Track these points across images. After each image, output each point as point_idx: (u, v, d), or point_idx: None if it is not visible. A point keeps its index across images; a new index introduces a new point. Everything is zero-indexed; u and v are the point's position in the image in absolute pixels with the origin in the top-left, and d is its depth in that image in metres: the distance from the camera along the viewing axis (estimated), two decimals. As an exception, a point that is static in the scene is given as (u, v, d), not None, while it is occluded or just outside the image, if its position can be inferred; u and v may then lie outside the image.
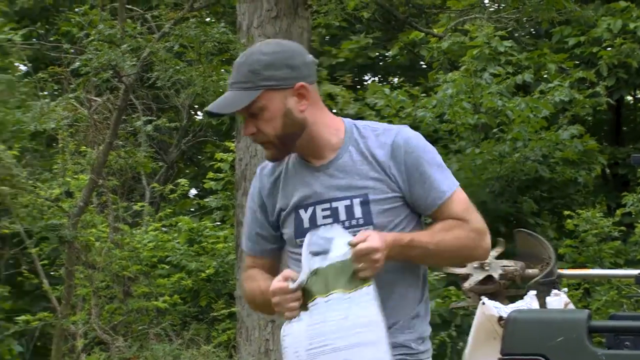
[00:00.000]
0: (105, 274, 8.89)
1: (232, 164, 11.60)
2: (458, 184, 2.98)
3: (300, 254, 2.90)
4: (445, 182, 2.94)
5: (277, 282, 2.86)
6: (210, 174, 11.62)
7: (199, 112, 13.71)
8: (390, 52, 14.67)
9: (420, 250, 2.90)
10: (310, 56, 3.00)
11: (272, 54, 2.91)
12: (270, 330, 7.10)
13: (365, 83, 15.66)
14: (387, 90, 11.44)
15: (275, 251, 3.10)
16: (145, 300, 9.06)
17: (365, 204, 2.92)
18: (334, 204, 2.94)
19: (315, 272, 2.85)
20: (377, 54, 15.04)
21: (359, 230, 2.87)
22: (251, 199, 3.09)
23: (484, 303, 4.33)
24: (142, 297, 9.11)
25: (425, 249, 2.90)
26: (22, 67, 10.61)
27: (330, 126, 3.00)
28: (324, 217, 2.94)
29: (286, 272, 2.89)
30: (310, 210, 2.95)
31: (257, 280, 3.04)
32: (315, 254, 2.88)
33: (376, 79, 15.76)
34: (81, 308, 9.12)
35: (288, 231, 3.00)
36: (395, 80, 15.52)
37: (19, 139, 9.14)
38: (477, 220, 2.96)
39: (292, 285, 2.84)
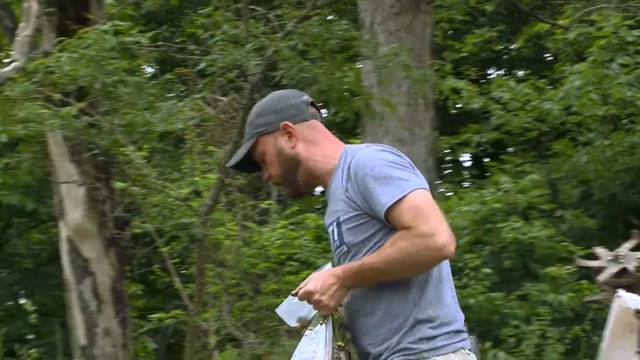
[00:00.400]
0: (235, 271, 9.00)
1: (358, 160, 11.62)
2: (410, 189, 3.01)
3: None
4: (387, 194, 3.01)
5: None
6: (336, 171, 11.62)
7: (323, 110, 13.76)
8: (514, 45, 14.47)
9: (372, 272, 3.00)
10: (304, 97, 3.26)
11: (262, 104, 3.25)
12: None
13: (489, 77, 15.49)
14: (512, 84, 11.30)
15: None
16: (275, 297, 9.14)
17: (338, 225, 3.13)
18: (329, 229, 3.19)
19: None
20: (502, 47, 14.85)
21: (339, 251, 3.13)
22: None
23: (620, 296, 4.23)
24: (271, 294, 9.20)
25: (375, 269, 2.99)
26: (150, 69, 10.83)
27: (326, 156, 3.21)
28: (331, 241, 3.20)
29: None
30: (329, 234, 3.22)
31: None
32: None
33: (501, 72, 15.58)
34: (212, 305, 9.25)
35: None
36: (521, 73, 15.31)
37: (148, 140, 9.32)
38: (424, 224, 2.97)
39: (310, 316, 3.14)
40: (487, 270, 11.12)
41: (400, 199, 2.99)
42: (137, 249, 10.20)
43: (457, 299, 3.17)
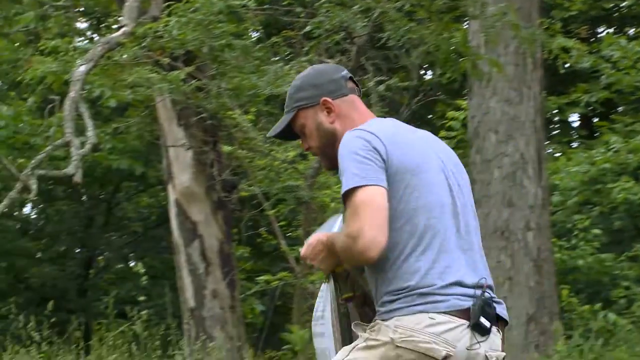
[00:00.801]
0: (340, 233, 9.01)
1: (464, 122, 11.49)
2: (353, 185, 3.09)
3: None
4: (343, 185, 3.14)
5: None
6: (442, 133, 11.53)
7: (429, 71, 13.64)
8: (625, 2, 14.10)
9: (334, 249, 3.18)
10: (343, 72, 3.38)
11: (301, 77, 3.38)
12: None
13: (599, 35, 15.13)
14: (622, 42, 11.03)
15: None
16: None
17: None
18: None
19: None
20: (612, 4, 14.49)
21: None
22: None
23: None
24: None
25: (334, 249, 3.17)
26: (256, 33, 10.85)
27: None
28: None
29: None
30: None
31: None
32: None
33: (611, 30, 15.21)
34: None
35: None
36: (631, 31, 14.93)
37: (255, 103, 9.36)
38: (351, 224, 3.06)
39: None
40: (597, 231, 10.94)
41: (346, 193, 3.10)
42: (244, 211, 10.28)
43: (462, 258, 3.17)
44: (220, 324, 10.03)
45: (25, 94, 15.04)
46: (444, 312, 3.06)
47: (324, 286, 3.30)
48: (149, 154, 15.67)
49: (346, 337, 3.23)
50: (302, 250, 3.26)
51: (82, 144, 9.01)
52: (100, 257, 20.11)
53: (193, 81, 8.34)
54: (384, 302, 3.11)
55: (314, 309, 3.32)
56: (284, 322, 7.23)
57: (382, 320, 3.09)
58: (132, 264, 20.63)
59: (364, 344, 3.10)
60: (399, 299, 3.09)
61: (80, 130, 9.43)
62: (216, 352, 8.16)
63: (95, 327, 7.76)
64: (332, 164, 3.35)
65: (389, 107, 11.38)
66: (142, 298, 8.66)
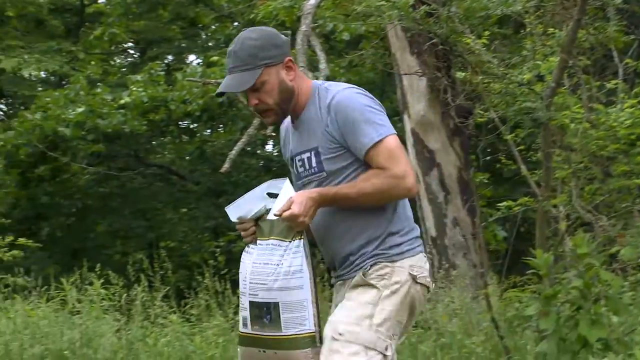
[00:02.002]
0: (582, 154, 8.74)
1: None
2: (386, 134, 3.52)
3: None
4: (367, 136, 3.52)
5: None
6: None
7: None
8: None
9: (345, 200, 3.54)
10: (287, 36, 3.69)
11: (260, 38, 3.59)
12: None
13: None
14: None
15: None
16: (626, 179, 8.80)
17: (317, 154, 3.62)
18: (302, 156, 3.67)
19: (266, 212, 3.57)
20: None
21: (317, 176, 3.62)
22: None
23: None
24: (622, 176, 8.86)
25: (349, 198, 3.54)
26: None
27: (305, 90, 3.67)
28: (300, 166, 3.69)
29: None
30: (294, 160, 3.71)
31: None
32: (271, 195, 3.59)
33: None
34: (561, 190, 9.06)
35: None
36: None
37: (487, 26, 9.17)
38: (396, 166, 3.50)
39: (248, 217, 3.60)
40: None
41: (378, 142, 3.51)
42: (481, 137, 10.14)
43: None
44: (462, 251, 10.02)
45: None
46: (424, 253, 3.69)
47: (298, 242, 3.51)
48: (384, 85, 15.75)
49: (315, 290, 3.55)
50: (296, 208, 3.46)
51: (316, 78, 9.14)
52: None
53: (422, 7, 8.25)
54: (391, 246, 3.58)
55: (262, 259, 3.55)
56: (526, 247, 7.10)
57: (391, 262, 3.57)
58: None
59: (387, 291, 3.54)
60: (405, 242, 3.61)
61: (314, 65, 9.56)
62: (459, 279, 8.15)
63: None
64: (280, 119, 3.70)
65: (628, 20, 10.89)
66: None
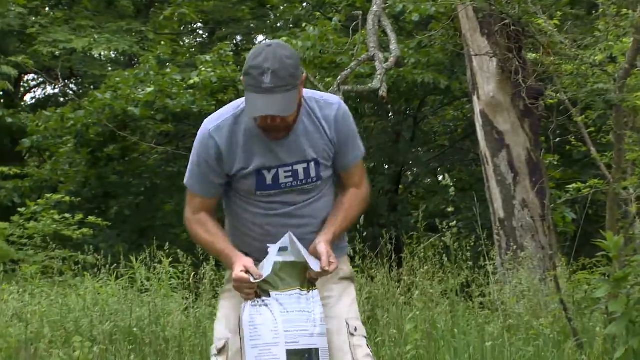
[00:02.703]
0: (657, 137, 8.60)
1: None
2: (363, 152, 3.85)
3: (258, 200, 3.71)
4: (359, 148, 3.81)
5: (239, 273, 3.60)
6: None
7: None
8: None
9: (341, 233, 3.82)
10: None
11: (292, 56, 3.52)
12: None
13: None
14: None
15: (220, 193, 3.80)
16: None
17: (317, 164, 3.69)
18: (295, 167, 3.67)
19: (277, 267, 3.61)
20: None
21: (310, 185, 3.71)
22: (206, 152, 3.68)
23: None
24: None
25: (343, 230, 3.82)
26: None
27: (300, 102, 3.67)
28: (286, 177, 3.68)
29: (247, 263, 3.62)
30: (273, 171, 3.67)
31: (208, 229, 3.75)
32: (281, 249, 3.65)
33: None
34: (632, 173, 8.93)
35: (247, 183, 3.69)
36: None
37: (560, 6, 9.08)
38: (366, 186, 3.87)
39: (252, 280, 3.58)
40: None
41: (360, 157, 3.83)
42: (552, 119, 10.03)
43: None
44: (530, 233, 9.93)
45: (330, 13, 15.40)
46: None
47: (317, 291, 3.68)
48: (453, 67, 15.64)
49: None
50: (333, 260, 3.65)
51: (386, 59, 9.11)
52: (408, 173, 20.43)
53: (493, -13, 8.18)
54: (338, 245, 3.82)
55: (295, 307, 3.63)
56: (595, 230, 7.02)
57: (342, 255, 3.89)
58: (439, 177, 20.81)
59: (353, 283, 3.92)
60: (343, 238, 3.93)
61: (383, 46, 9.53)
62: (528, 261, 8.08)
63: (406, 240, 7.88)
64: (285, 135, 3.64)
65: None
66: (450, 209, 8.71)
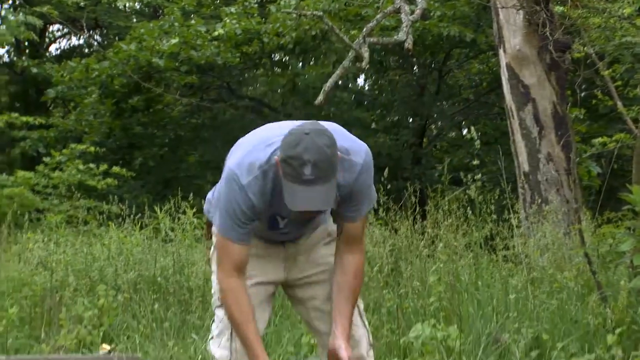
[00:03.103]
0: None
1: None
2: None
3: (262, 235, 3.76)
4: (368, 205, 3.72)
5: None
6: None
7: None
8: None
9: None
10: None
11: (332, 145, 3.35)
12: None
13: None
14: None
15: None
16: None
17: (319, 212, 3.65)
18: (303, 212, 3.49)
19: None
20: None
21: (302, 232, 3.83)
22: (239, 201, 3.54)
23: None
24: None
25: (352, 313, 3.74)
26: None
27: None
28: (294, 216, 3.62)
29: None
30: (286, 220, 3.67)
31: (242, 308, 3.62)
32: None
33: None
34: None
35: (259, 222, 3.65)
36: None
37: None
38: (363, 242, 3.81)
39: None
40: None
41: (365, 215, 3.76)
42: (578, 72, 9.95)
43: None
44: (555, 187, 9.89)
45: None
46: None
47: None
48: (479, 20, 15.52)
49: None
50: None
51: (412, 11, 9.04)
52: (432, 126, 20.36)
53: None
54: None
55: None
56: (620, 185, 6.96)
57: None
58: (464, 131, 20.75)
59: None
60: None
61: (409, -2, 9.44)
62: (552, 215, 8.05)
63: (430, 193, 7.85)
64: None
65: None
66: (475, 162, 8.67)
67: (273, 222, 3.71)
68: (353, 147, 3.57)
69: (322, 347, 3.91)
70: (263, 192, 3.53)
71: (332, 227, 3.92)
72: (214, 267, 3.83)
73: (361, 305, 3.93)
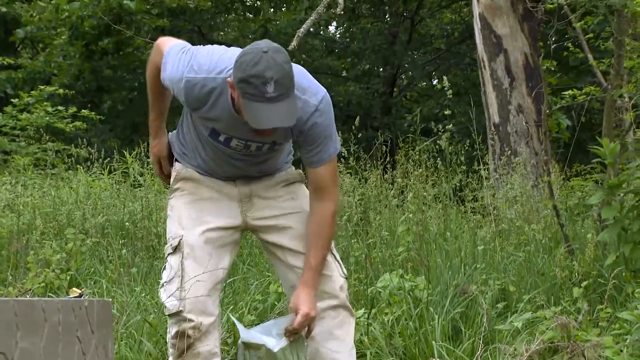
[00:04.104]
0: (655, 43, 8.53)
1: None
2: (336, 152, 3.70)
3: (203, 134, 3.71)
4: (327, 150, 3.64)
5: (154, 164, 4.03)
6: None
7: None
8: None
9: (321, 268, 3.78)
10: None
11: (289, 61, 3.33)
12: None
13: None
14: None
15: None
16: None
17: (272, 144, 3.69)
18: (249, 143, 3.65)
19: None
20: None
21: (255, 156, 3.76)
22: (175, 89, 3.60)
23: None
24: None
25: (323, 264, 3.77)
26: None
27: None
28: (237, 144, 3.66)
29: (161, 153, 4.01)
30: (226, 136, 3.64)
31: (157, 89, 3.80)
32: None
33: None
34: (628, 80, 8.89)
35: (202, 127, 3.68)
36: None
37: None
38: (336, 191, 3.76)
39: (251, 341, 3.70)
40: None
41: (331, 159, 3.68)
42: (551, 24, 9.93)
43: None
44: (525, 139, 9.92)
45: None
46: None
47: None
48: (452, -31, 15.44)
49: None
50: (306, 310, 3.67)
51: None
52: (403, 75, 20.33)
53: None
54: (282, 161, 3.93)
55: None
56: (590, 137, 7.00)
57: (287, 167, 3.97)
58: (434, 81, 20.73)
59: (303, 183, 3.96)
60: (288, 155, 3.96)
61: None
62: (521, 167, 8.07)
63: (401, 143, 7.85)
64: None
65: None
66: (447, 112, 8.64)
67: (213, 133, 3.68)
68: (310, 88, 3.56)
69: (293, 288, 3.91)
70: (208, 96, 3.54)
71: (293, 172, 3.94)
72: (169, 212, 3.83)
73: (335, 252, 3.92)
